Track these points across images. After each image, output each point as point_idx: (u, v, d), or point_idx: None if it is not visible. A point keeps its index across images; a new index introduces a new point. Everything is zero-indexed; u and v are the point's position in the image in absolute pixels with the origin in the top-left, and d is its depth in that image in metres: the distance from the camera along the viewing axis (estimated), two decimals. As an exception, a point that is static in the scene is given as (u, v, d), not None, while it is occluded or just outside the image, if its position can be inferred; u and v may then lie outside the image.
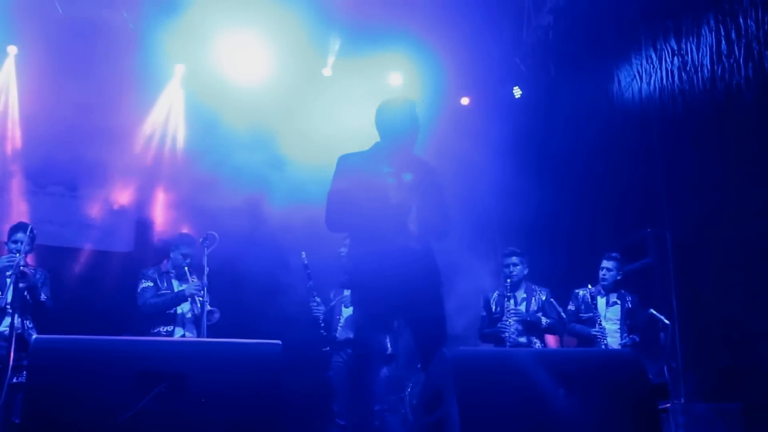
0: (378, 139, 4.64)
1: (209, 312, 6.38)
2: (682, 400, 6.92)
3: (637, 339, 7.06)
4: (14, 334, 5.92)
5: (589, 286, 7.28)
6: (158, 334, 6.45)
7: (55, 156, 8.74)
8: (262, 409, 3.47)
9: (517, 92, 8.96)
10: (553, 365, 3.80)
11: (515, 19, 7.94)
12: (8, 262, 6.13)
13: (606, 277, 7.22)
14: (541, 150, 8.45)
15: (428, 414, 3.83)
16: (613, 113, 8.17)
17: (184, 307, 6.58)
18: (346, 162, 4.56)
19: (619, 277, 7.26)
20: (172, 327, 6.47)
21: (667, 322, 7.07)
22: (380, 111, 4.64)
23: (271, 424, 3.46)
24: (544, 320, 6.99)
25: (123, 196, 8.89)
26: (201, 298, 6.41)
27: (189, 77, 8.53)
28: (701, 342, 7.13)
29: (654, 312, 7.09)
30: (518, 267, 7.12)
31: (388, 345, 6.34)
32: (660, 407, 6.38)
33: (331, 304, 6.87)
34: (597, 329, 7.04)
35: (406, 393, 7.33)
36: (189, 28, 7.86)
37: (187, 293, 6.49)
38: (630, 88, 8.05)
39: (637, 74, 7.97)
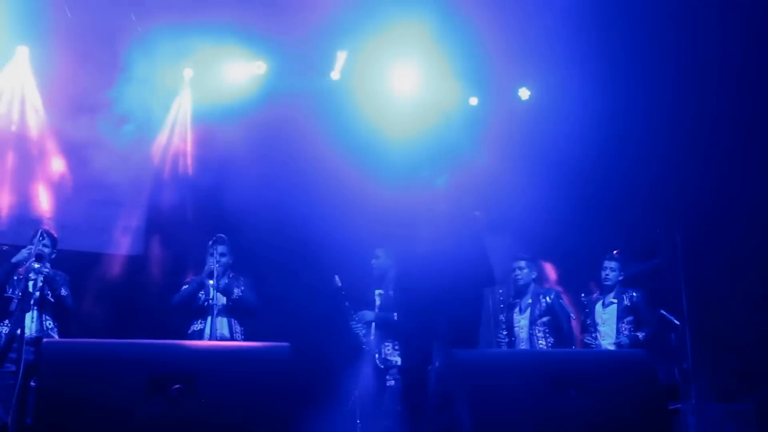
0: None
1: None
2: (693, 401, 6.89)
3: (641, 337, 6.84)
4: (24, 337, 5.93)
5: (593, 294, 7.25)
6: (193, 334, 6.47)
7: (64, 158, 8.78)
8: (272, 412, 3.48)
9: (524, 93, 8.93)
10: (563, 366, 3.80)
11: (524, 17, 7.91)
12: (27, 252, 6.19)
13: (609, 277, 7.17)
14: (548, 152, 8.43)
15: (439, 415, 3.83)
16: (622, 114, 8.15)
17: (213, 293, 6.58)
18: (432, 178, 4.61)
19: (621, 278, 7.16)
20: (203, 325, 6.47)
21: (677, 322, 7.05)
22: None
23: (282, 426, 3.47)
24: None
25: (133, 199, 8.92)
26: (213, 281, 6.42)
27: (196, 81, 8.54)
28: (712, 343, 7.12)
29: (664, 313, 7.07)
30: (524, 271, 7.09)
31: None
32: (671, 408, 6.36)
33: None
34: (590, 338, 7.02)
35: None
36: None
37: (206, 272, 6.54)
38: (636, 90, 8.03)
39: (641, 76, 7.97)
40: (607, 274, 7.16)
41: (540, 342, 6.89)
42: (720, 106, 7.06)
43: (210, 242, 6.57)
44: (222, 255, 6.58)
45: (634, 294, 7.06)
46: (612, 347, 6.90)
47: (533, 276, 7.10)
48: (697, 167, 7.35)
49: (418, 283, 4.40)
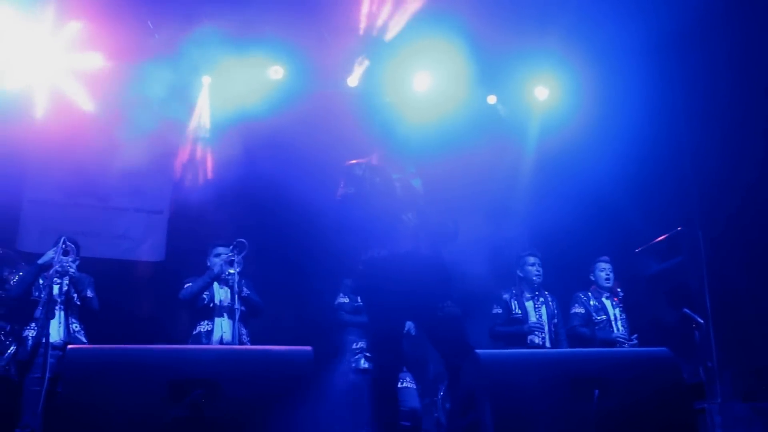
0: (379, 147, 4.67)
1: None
2: (719, 400, 6.83)
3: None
4: (49, 342, 5.98)
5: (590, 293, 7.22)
6: (199, 335, 6.47)
7: (85, 167, 8.85)
8: (294, 415, 3.48)
9: (542, 92, 8.90)
10: (587, 366, 3.78)
11: (539, 16, 7.89)
12: (52, 253, 6.26)
13: (610, 278, 7.17)
14: (566, 149, 8.38)
15: (462, 417, 3.82)
16: (641, 111, 8.11)
17: (219, 295, 6.61)
18: (353, 168, 4.58)
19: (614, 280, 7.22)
20: (211, 325, 6.49)
21: (701, 321, 6.99)
22: (379, 118, 4.69)
23: (303, 428, 3.47)
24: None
25: (154, 206, 8.96)
26: (229, 273, 6.44)
27: (215, 87, 8.57)
28: (737, 340, 7.04)
29: (688, 311, 7.01)
30: (541, 269, 7.07)
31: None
32: (696, 408, 6.30)
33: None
34: (620, 333, 6.96)
35: (439, 396, 7.30)
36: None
37: (216, 270, 6.55)
38: (655, 86, 7.99)
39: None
40: (608, 276, 7.17)
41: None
42: (740, 99, 6.99)
43: (231, 246, 6.58)
44: (239, 263, 6.58)
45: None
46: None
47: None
48: (718, 161, 7.29)
49: (380, 286, 4.37)
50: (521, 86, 8.89)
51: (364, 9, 7.89)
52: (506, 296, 7.04)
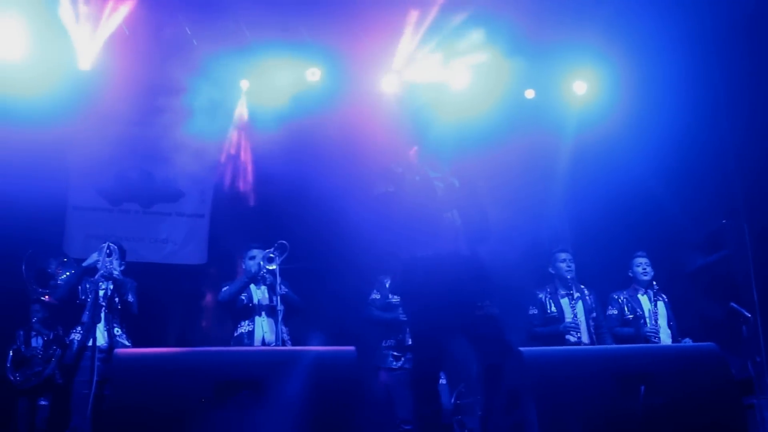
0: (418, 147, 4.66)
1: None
2: (769, 395, 6.72)
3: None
4: (96, 346, 6.07)
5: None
6: (241, 336, 6.51)
7: (127, 174, 8.99)
8: (338, 415, 3.50)
9: (580, 87, 8.81)
10: (632, 362, 3.74)
11: (578, 10, 7.82)
12: (96, 256, 6.34)
13: (647, 271, 7.07)
14: (607, 143, 8.30)
15: (507, 415, 3.80)
16: (685, 105, 8.01)
17: (257, 295, 6.66)
18: (392, 167, 4.58)
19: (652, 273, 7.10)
20: (251, 326, 6.53)
21: (748, 315, 6.88)
22: (417, 118, 4.69)
23: (347, 428, 3.48)
24: None
25: (196, 210, 9.06)
26: (268, 270, 6.49)
27: (252, 91, 8.63)
28: (786, 334, 6.93)
29: (735, 305, 6.91)
30: (573, 264, 7.00)
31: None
32: (745, 403, 6.20)
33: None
34: (650, 327, 6.85)
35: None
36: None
37: (253, 270, 6.60)
38: (699, 78, 7.88)
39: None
40: (645, 270, 7.06)
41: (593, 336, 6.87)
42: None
43: (272, 248, 6.62)
44: (278, 263, 6.61)
45: (665, 296, 7.05)
46: (668, 340, 6.84)
47: None
48: (762, 153, 7.18)
49: (421, 286, 4.36)
50: (560, 81, 8.81)
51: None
52: (541, 295, 6.99)
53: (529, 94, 8.80)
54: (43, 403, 7.15)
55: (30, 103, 7.52)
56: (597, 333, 6.85)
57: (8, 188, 7.55)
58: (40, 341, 7.26)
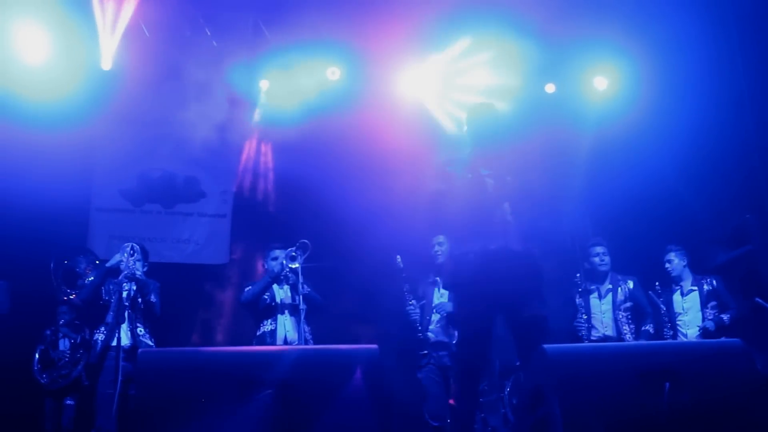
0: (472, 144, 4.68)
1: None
2: (796, 392, 6.64)
3: (726, 319, 6.80)
4: (120, 345, 6.11)
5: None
6: (263, 335, 6.54)
7: (150, 174, 9.04)
8: (363, 412, 3.50)
9: (601, 82, 8.75)
10: (656, 359, 3.71)
11: (599, 5, 7.77)
12: (119, 256, 6.39)
13: (671, 268, 7.06)
14: (631, 139, 8.24)
15: (530, 413, 3.79)
16: (703, 99, 7.95)
17: (280, 294, 6.69)
18: (444, 164, 4.61)
19: (684, 263, 7.10)
20: (274, 325, 6.57)
21: (774, 310, 6.82)
22: (470, 117, 4.71)
23: (373, 426, 3.49)
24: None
25: (217, 210, 9.10)
26: (290, 269, 6.51)
27: (272, 91, 8.65)
28: (812, 329, 6.85)
29: (760, 300, 6.85)
30: (607, 258, 7.01)
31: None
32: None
33: (422, 302, 6.89)
34: (667, 330, 6.90)
35: (506, 392, 7.26)
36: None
37: (276, 270, 6.63)
38: (722, 72, 7.82)
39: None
40: (668, 267, 7.08)
41: (624, 327, 6.83)
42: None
43: (294, 247, 6.64)
44: (300, 262, 6.63)
45: (714, 281, 7.03)
46: (696, 335, 6.84)
47: (610, 262, 7.03)
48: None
49: (470, 282, 4.37)
50: (580, 76, 8.76)
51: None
52: (579, 300, 7.02)
53: (550, 88, 8.75)
54: (69, 402, 7.21)
55: (53, 106, 7.61)
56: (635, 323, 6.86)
57: (33, 191, 7.63)
58: (67, 343, 7.32)
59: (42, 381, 7.22)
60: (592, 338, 6.88)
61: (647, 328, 6.89)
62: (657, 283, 7.18)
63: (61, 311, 7.44)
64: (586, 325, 6.85)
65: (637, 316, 6.97)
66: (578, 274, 7.03)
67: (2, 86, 7.62)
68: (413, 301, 6.83)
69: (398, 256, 6.94)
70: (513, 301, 4.33)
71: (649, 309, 6.98)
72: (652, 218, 8.17)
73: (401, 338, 7.02)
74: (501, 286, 4.28)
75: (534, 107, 8.39)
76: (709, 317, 6.88)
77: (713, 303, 6.95)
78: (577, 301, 7.01)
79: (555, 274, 7.63)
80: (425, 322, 6.81)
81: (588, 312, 6.89)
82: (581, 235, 7.86)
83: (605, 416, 3.48)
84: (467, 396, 4.39)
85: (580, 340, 6.85)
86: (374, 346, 3.68)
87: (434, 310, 6.77)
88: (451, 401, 6.40)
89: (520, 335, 4.43)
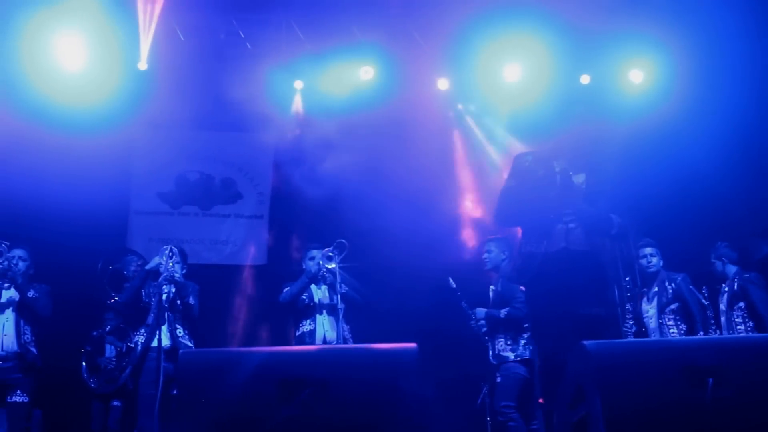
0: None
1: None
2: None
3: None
4: (161, 347, 6.18)
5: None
6: (303, 335, 6.59)
7: (187, 177, 9.14)
8: (402, 412, 3.50)
9: (636, 76, 8.65)
10: (699, 354, 3.66)
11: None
12: (158, 259, 6.46)
13: (718, 263, 6.96)
14: (663, 133, 8.15)
15: (572, 411, 3.76)
16: (742, 94, 7.84)
17: (318, 294, 6.72)
18: (519, 159, 4.61)
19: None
20: (313, 324, 6.60)
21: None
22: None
23: (413, 427, 3.48)
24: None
25: (254, 211, 9.16)
26: (328, 269, 6.54)
27: (308, 91, 8.68)
28: None
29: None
30: (655, 258, 6.89)
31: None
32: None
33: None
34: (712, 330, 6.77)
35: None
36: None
37: (313, 270, 6.67)
38: (759, 66, 7.71)
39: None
40: (717, 266, 6.96)
41: (671, 330, 6.68)
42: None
43: (332, 246, 6.66)
44: (337, 262, 6.64)
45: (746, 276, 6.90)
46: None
47: (661, 263, 6.89)
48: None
49: (534, 282, 4.37)
50: (616, 69, 8.66)
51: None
52: (628, 307, 6.95)
53: (585, 79, 8.65)
54: (116, 404, 7.32)
55: (91, 111, 7.72)
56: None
57: (73, 196, 7.75)
58: (113, 351, 7.42)
59: (91, 385, 7.34)
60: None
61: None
62: (704, 288, 7.05)
63: (107, 318, 7.55)
64: (632, 330, 6.74)
65: (686, 317, 6.77)
66: (627, 278, 6.95)
67: (43, 95, 7.76)
68: (474, 315, 6.77)
69: (450, 278, 6.92)
70: (573, 300, 4.33)
71: (695, 308, 6.83)
72: (690, 211, 8.07)
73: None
74: (562, 285, 4.28)
75: (569, 99, 8.33)
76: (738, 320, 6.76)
77: (741, 304, 6.80)
78: (627, 306, 6.90)
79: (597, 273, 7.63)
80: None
81: (638, 317, 6.80)
82: (622, 234, 7.79)
83: (647, 413, 3.45)
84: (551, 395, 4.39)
85: None
86: (413, 344, 3.67)
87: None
88: (541, 400, 6.37)
89: (576, 334, 4.41)
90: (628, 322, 6.80)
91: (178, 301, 6.42)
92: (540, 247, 4.37)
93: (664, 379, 3.52)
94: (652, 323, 6.76)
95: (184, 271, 6.57)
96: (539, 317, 4.39)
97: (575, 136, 7.85)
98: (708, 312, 6.87)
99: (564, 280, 4.28)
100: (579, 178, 4.54)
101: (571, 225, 4.41)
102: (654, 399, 3.48)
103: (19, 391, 6.23)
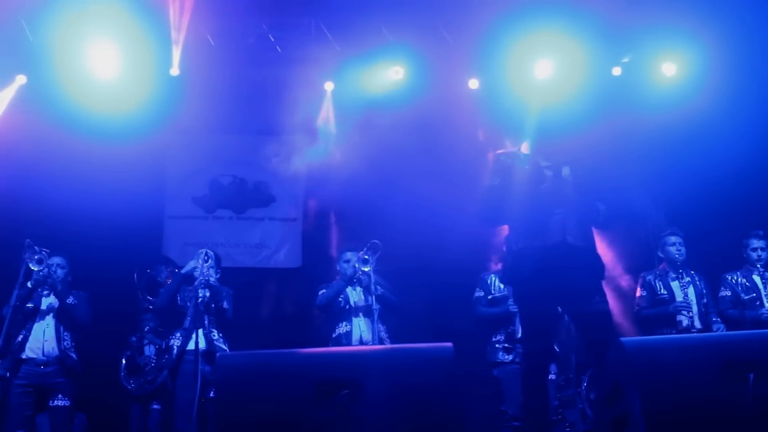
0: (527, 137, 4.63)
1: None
2: None
3: None
4: (198, 350, 6.24)
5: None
6: (339, 337, 6.62)
7: (221, 180, 9.21)
8: (438, 411, 3.50)
9: (669, 69, 8.54)
10: (739, 348, 3.61)
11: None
12: (194, 263, 6.53)
13: (763, 256, 6.84)
14: (697, 126, 8.05)
15: (609, 409, 3.73)
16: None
17: (353, 297, 6.75)
18: (500, 157, 4.56)
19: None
20: (349, 326, 6.63)
21: None
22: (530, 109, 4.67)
23: (449, 426, 3.48)
24: None
25: (287, 214, 9.20)
26: (363, 272, 6.57)
27: (338, 92, 8.69)
28: None
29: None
30: (683, 248, 6.85)
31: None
32: None
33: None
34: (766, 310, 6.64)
35: (583, 387, 7.17)
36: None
37: (348, 273, 6.70)
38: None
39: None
40: (760, 255, 6.87)
41: (715, 319, 6.67)
42: None
43: (366, 249, 6.68)
44: (372, 263, 6.66)
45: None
46: None
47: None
48: None
49: (530, 278, 4.32)
50: (648, 62, 8.56)
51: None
52: (649, 277, 6.87)
53: (616, 71, 8.57)
54: (155, 407, 7.39)
55: (125, 118, 7.81)
56: (706, 320, 6.70)
57: (110, 202, 7.85)
58: (153, 349, 7.50)
59: (129, 387, 7.42)
60: (681, 324, 6.65)
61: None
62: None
63: (145, 318, 7.64)
64: (684, 303, 6.65)
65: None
66: (660, 265, 6.90)
67: (77, 103, 7.87)
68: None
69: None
70: (574, 297, 4.28)
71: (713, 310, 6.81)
72: (719, 208, 7.98)
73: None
74: (561, 281, 4.23)
75: (601, 91, 8.25)
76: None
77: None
78: (659, 288, 6.81)
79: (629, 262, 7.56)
80: None
81: (671, 296, 6.72)
82: (656, 225, 7.72)
83: (687, 410, 3.40)
84: (536, 391, 4.35)
85: (671, 323, 6.64)
86: (449, 344, 3.66)
87: None
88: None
89: (585, 332, 4.37)
90: (687, 314, 6.69)
91: (213, 305, 6.48)
92: (535, 242, 4.31)
93: (704, 374, 3.47)
94: (694, 307, 6.69)
95: (218, 275, 6.62)
96: (541, 313, 4.34)
97: (605, 129, 7.80)
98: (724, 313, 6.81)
99: (563, 274, 4.22)
100: (565, 171, 4.48)
101: (565, 217, 4.35)
102: (694, 395, 3.44)
103: (60, 395, 6.33)
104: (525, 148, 4.61)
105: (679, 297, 6.70)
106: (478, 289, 6.97)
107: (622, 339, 3.68)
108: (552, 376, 6.59)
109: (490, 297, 6.88)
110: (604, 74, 8.43)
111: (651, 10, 7.74)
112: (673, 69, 8.47)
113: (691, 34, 8.03)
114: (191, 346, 6.31)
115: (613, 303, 7.49)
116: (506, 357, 6.70)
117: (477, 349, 6.96)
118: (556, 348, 6.11)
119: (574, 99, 7.80)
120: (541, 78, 8.29)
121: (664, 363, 3.54)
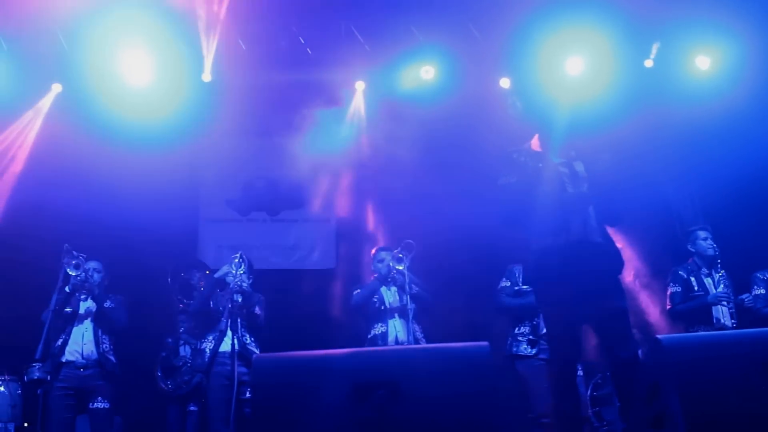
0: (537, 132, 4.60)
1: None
2: None
3: None
4: (235, 352, 6.29)
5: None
6: (375, 337, 6.65)
7: (254, 183, 9.27)
8: (474, 410, 3.49)
9: (703, 62, 8.43)
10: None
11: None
12: (227, 267, 6.60)
13: None
14: (732, 120, 7.94)
15: (647, 407, 3.69)
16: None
17: (388, 297, 6.77)
18: (513, 155, 4.52)
19: None
20: (385, 327, 6.65)
21: None
22: (533, 105, 4.63)
23: (484, 425, 3.47)
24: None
25: (320, 215, 9.23)
26: (397, 271, 6.59)
27: (368, 92, 8.71)
28: None
29: None
30: (714, 243, 6.77)
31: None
32: None
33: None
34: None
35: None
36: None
37: (383, 273, 6.74)
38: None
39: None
40: None
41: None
42: None
43: (399, 248, 6.69)
44: (406, 263, 6.66)
45: None
46: None
47: None
48: None
49: (553, 277, 4.29)
50: (682, 55, 8.46)
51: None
52: (682, 272, 6.78)
53: (648, 63, 8.48)
54: (192, 408, 7.45)
55: (160, 124, 7.90)
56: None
57: (146, 207, 7.92)
58: (188, 350, 7.57)
59: (166, 388, 7.48)
60: (718, 322, 6.60)
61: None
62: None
63: (180, 320, 7.72)
64: (724, 294, 6.58)
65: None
66: (691, 259, 6.83)
67: (112, 111, 7.97)
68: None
69: None
70: (595, 295, 4.24)
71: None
72: (756, 206, 7.87)
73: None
74: (585, 283, 4.19)
75: (633, 86, 8.18)
76: None
77: None
78: (690, 280, 6.74)
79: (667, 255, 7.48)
80: None
81: (706, 292, 6.65)
82: (688, 220, 7.64)
83: (727, 408, 3.37)
84: (566, 393, 4.32)
85: (706, 316, 6.59)
86: (485, 343, 3.65)
87: None
88: None
89: (604, 329, 4.33)
90: (726, 304, 6.61)
91: (245, 310, 6.53)
92: (558, 240, 4.27)
93: (744, 372, 3.43)
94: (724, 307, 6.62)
95: (251, 281, 6.67)
96: (566, 312, 4.31)
97: (638, 123, 7.73)
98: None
99: (585, 272, 4.18)
100: (579, 166, 4.43)
101: (585, 214, 4.30)
102: (733, 393, 3.40)
103: (100, 398, 6.42)
104: (535, 144, 4.57)
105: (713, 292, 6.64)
106: (504, 279, 6.80)
107: (660, 336, 3.65)
108: (579, 373, 6.55)
109: (516, 288, 6.74)
110: (637, 69, 8.34)
111: (684, 3, 7.65)
112: (707, 63, 8.36)
113: (725, 27, 7.92)
114: (225, 347, 6.37)
115: (645, 301, 7.51)
116: (530, 350, 6.52)
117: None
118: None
119: (606, 95, 7.76)
120: (573, 75, 8.23)
121: (703, 360, 3.50)
